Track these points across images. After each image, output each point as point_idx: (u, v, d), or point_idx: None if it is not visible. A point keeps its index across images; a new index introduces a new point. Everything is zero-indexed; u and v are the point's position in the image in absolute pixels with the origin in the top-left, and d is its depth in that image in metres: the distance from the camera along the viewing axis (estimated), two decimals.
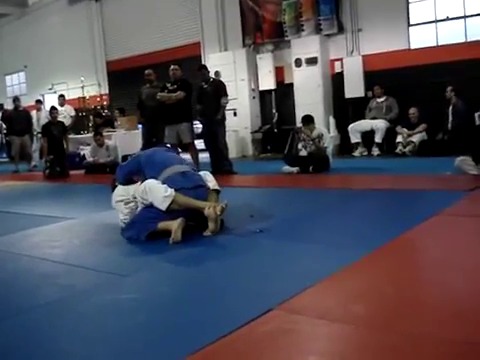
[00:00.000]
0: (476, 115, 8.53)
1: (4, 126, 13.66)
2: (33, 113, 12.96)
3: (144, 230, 4.08)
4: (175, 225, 3.92)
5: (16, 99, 12.56)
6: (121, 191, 4.56)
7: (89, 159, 10.55)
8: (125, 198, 4.48)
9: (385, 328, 2.21)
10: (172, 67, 8.54)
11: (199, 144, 8.91)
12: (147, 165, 4.48)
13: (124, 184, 4.62)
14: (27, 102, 14.75)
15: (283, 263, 3.29)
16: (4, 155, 15.61)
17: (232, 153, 9.82)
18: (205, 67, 9.08)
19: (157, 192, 4.09)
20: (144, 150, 4.91)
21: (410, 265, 3.18)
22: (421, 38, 10.09)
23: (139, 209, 4.31)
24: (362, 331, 2.22)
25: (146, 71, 9.51)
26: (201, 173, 4.61)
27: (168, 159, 4.51)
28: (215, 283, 3.03)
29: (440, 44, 9.87)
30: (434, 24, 9.99)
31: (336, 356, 2.05)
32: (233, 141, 10.90)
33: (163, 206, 4.04)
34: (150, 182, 4.21)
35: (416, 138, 9.28)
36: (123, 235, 4.26)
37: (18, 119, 12.13)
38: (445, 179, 6.20)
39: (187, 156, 7.88)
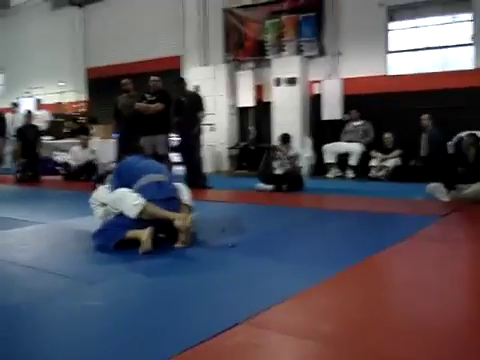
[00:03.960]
0: (449, 144, 8.66)
1: None
2: (8, 115, 12.79)
3: (112, 238, 4.00)
4: (145, 234, 3.86)
5: None
6: (101, 193, 4.52)
7: (73, 163, 10.39)
8: (99, 202, 4.45)
9: (351, 346, 2.21)
10: (152, 78, 8.51)
11: (175, 157, 8.88)
12: (126, 174, 4.42)
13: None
14: (3, 104, 14.56)
15: (253, 278, 3.27)
16: None
17: (207, 168, 9.80)
18: (183, 80, 9.05)
19: (127, 200, 4.05)
20: (119, 160, 4.87)
21: (379, 285, 3.21)
22: (399, 65, 10.27)
23: (110, 217, 4.26)
24: (328, 349, 2.21)
25: (123, 81, 9.32)
26: (177, 184, 4.54)
27: (145, 167, 4.45)
28: (182, 294, 3.00)
29: (417, 72, 10.05)
30: (412, 52, 10.18)
31: None
32: (209, 156, 10.89)
33: (132, 214, 3.99)
34: (121, 191, 4.17)
35: (390, 163, 9.39)
36: (93, 241, 4.19)
37: None
38: (417, 204, 6.30)
39: None
